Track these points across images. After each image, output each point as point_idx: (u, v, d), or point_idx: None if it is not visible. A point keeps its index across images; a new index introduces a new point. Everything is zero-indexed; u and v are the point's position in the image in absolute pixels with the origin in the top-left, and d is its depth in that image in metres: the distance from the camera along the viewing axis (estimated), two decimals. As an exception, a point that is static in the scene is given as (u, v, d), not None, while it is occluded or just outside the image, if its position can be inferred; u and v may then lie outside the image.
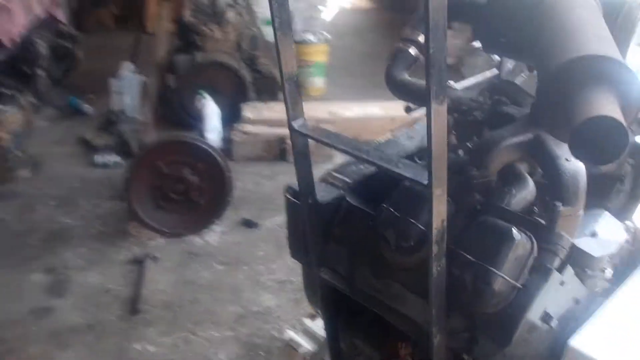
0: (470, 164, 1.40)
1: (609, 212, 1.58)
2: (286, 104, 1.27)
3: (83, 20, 7.56)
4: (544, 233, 1.25)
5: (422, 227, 1.28)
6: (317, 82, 5.81)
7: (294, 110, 1.29)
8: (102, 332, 2.80)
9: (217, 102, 4.67)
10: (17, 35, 4.74)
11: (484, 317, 1.27)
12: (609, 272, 1.42)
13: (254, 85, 5.04)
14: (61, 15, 5.70)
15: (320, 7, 7.03)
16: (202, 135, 4.61)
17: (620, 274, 1.50)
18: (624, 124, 0.93)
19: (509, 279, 1.20)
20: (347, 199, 1.55)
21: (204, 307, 2.97)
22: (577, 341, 1.31)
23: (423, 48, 1.76)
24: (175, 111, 4.86)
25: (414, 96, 1.74)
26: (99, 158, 4.40)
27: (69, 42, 5.56)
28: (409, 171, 1.11)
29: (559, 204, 1.25)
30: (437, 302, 1.23)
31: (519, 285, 1.21)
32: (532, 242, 1.24)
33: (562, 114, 1.02)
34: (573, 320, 1.37)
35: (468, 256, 1.23)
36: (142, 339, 2.76)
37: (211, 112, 4.62)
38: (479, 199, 1.37)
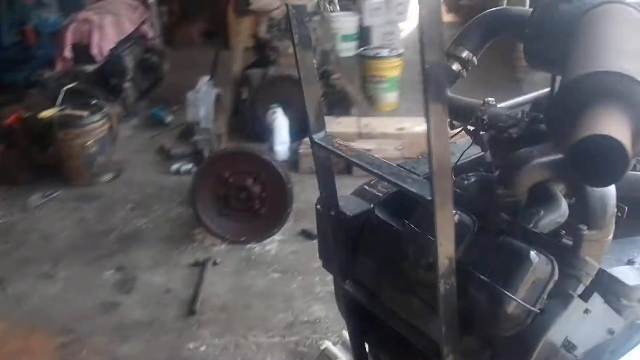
0: (498, 182, 1.38)
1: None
2: (308, 118, 1.31)
3: (173, 35, 8.04)
4: (567, 257, 1.21)
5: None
6: (390, 98, 5.82)
7: (315, 124, 1.33)
8: (159, 329, 2.95)
9: (288, 115, 4.81)
10: (107, 51, 5.13)
11: (501, 340, 1.25)
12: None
13: (327, 100, 5.13)
14: (150, 31, 6.09)
15: (400, 24, 7.05)
16: (272, 147, 4.77)
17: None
18: (625, 144, 0.89)
19: (524, 303, 1.17)
20: (376, 212, 1.57)
21: (256, 313, 3.06)
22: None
23: (465, 64, 1.76)
24: (248, 123, 5.04)
25: (456, 112, 1.73)
26: (174, 166, 4.65)
27: (156, 56, 5.93)
28: (415, 186, 1.12)
29: (584, 227, 1.20)
30: (448, 320, 1.22)
31: (535, 310, 1.18)
32: (553, 266, 1.20)
33: (568, 130, 0.99)
34: (607, 352, 1.30)
35: (483, 277, 1.22)
36: (196, 338, 2.88)
37: (281, 125, 4.76)
38: (505, 218, 1.35)
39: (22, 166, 4.30)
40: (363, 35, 7.15)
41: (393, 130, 4.75)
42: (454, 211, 1.34)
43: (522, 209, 1.34)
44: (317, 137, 1.34)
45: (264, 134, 4.87)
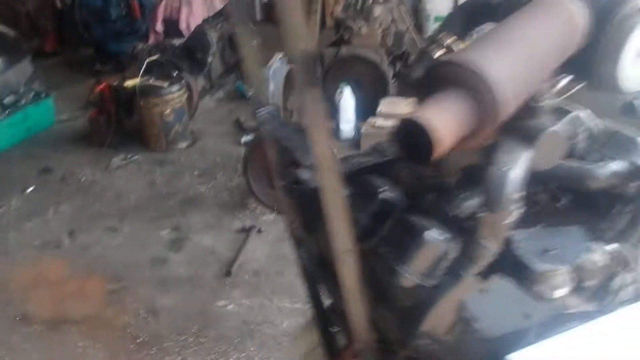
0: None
1: (605, 233, 1.46)
2: (250, 94, 1.43)
3: (272, 11, 8.33)
4: (466, 238, 1.25)
5: (364, 219, 1.37)
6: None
7: (259, 100, 1.45)
8: (197, 286, 3.23)
9: (357, 95, 4.89)
10: (194, 26, 5.48)
11: (402, 310, 1.32)
12: (565, 292, 1.34)
13: (401, 81, 5.14)
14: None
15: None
16: (338, 125, 4.89)
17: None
18: (432, 131, 0.95)
19: (414, 278, 1.23)
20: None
21: (286, 279, 3.24)
22: (516, 357, 1.28)
23: (448, 51, 1.79)
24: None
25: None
26: (244, 138, 4.93)
27: (245, 32, 6.22)
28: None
29: (482, 209, 1.23)
30: (350, 290, 1.30)
31: (426, 284, 1.24)
32: (449, 245, 1.24)
33: None
34: (531, 335, 1.33)
35: (381, 251, 1.29)
36: (226, 297, 3.13)
37: (347, 104, 4.86)
38: (430, 199, 1.40)
39: (109, 130, 4.78)
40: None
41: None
42: (381, 189, 1.42)
43: (451, 190, 1.38)
44: (261, 113, 1.46)
45: (333, 111, 5.00)
